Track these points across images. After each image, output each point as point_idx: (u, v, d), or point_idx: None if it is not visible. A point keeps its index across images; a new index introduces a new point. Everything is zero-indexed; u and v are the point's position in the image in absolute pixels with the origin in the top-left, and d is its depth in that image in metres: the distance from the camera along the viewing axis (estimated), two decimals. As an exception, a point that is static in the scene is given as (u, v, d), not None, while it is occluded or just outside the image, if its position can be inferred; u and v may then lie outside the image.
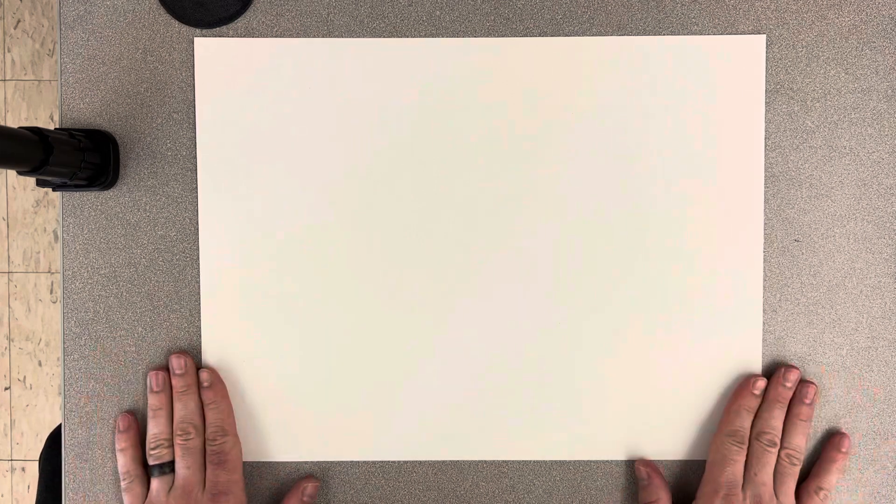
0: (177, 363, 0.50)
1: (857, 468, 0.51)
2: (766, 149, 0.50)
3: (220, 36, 0.50)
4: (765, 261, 0.50)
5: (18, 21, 1.33)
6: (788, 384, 0.49)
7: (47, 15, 1.33)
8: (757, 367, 0.50)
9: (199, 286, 0.50)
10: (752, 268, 0.50)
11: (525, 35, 0.50)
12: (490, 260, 0.50)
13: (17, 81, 1.34)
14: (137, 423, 0.50)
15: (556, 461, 0.51)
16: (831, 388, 0.51)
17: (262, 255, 0.50)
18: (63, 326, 0.51)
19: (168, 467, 0.49)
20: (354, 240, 0.50)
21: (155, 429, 0.49)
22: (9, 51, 1.33)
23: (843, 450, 0.50)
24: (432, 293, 0.50)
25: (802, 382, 0.50)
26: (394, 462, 0.51)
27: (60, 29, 0.50)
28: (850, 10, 0.50)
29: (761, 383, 0.49)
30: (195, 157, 0.50)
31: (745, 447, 0.48)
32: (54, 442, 0.72)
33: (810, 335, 0.51)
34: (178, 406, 0.50)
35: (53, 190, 0.49)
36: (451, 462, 0.51)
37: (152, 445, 0.49)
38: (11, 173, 1.33)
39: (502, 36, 0.50)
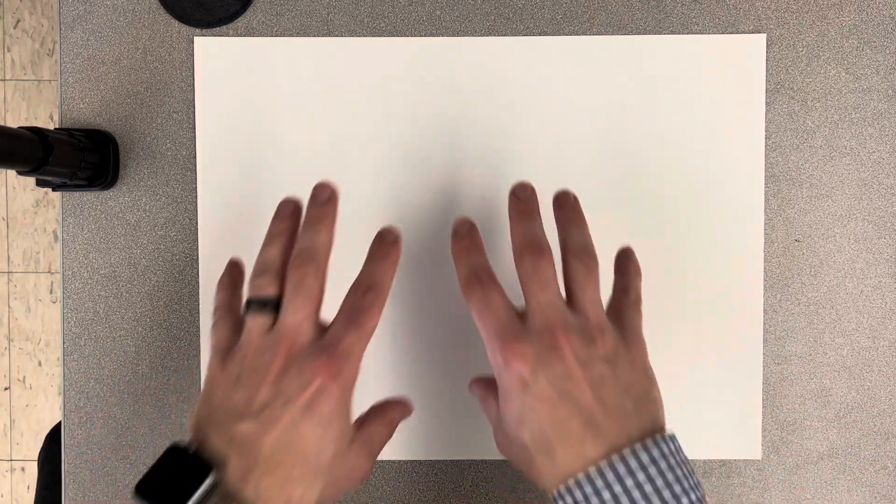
0: (321, 190, 0.40)
1: (858, 468, 0.51)
2: (766, 149, 0.50)
3: (220, 35, 0.50)
4: (765, 261, 0.50)
5: (18, 21, 1.33)
6: (525, 195, 0.41)
7: (47, 15, 1.33)
8: (758, 367, 0.50)
9: (198, 286, 0.50)
10: (752, 268, 0.50)
11: (525, 35, 0.50)
12: (490, 259, 0.50)
13: (16, 81, 1.34)
14: (243, 268, 0.44)
15: (556, 461, 0.51)
16: (831, 387, 0.51)
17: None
18: (63, 326, 0.51)
19: (269, 304, 0.38)
20: (355, 239, 0.50)
21: (263, 255, 0.39)
22: (9, 50, 1.33)
23: (632, 257, 0.43)
24: (432, 292, 0.50)
25: (558, 192, 0.42)
26: (394, 461, 0.51)
27: (60, 29, 0.50)
28: (850, 10, 0.50)
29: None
30: (195, 157, 0.50)
31: (487, 283, 0.39)
32: (53, 440, 0.72)
33: (810, 335, 0.51)
34: (302, 235, 0.39)
35: (53, 190, 0.49)
36: (451, 462, 0.51)
37: (256, 272, 0.39)
38: (11, 173, 1.33)
39: (503, 35, 0.50)
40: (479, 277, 0.39)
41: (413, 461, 0.51)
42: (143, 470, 0.51)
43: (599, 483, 0.34)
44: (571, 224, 0.41)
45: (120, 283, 0.50)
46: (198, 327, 0.50)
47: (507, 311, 0.39)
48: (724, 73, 0.50)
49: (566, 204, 0.42)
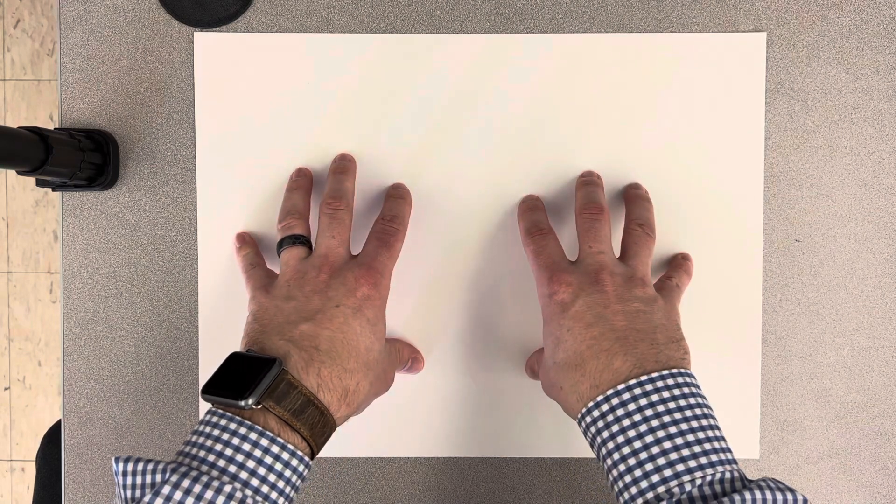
0: (341, 157, 0.48)
1: (858, 468, 0.51)
2: (766, 148, 0.50)
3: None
4: (765, 261, 0.50)
5: (18, 21, 1.33)
6: (593, 176, 0.48)
7: (47, 15, 1.33)
8: (756, 367, 0.50)
9: (198, 286, 0.50)
10: (752, 268, 0.50)
11: (525, 34, 0.50)
12: (488, 257, 0.50)
13: (16, 81, 1.33)
14: (253, 239, 0.49)
15: (555, 460, 0.51)
16: (831, 387, 0.51)
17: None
18: (63, 326, 0.50)
19: (299, 239, 0.44)
20: (354, 237, 0.50)
21: (287, 203, 0.46)
22: (8, 50, 1.33)
23: (689, 260, 0.49)
24: (433, 291, 0.50)
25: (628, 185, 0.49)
26: (394, 460, 0.51)
27: (60, 29, 0.50)
28: (850, 10, 0.50)
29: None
30: (195, 157, 0.50)
31: (548, 233, 0.45)
32: (51, 440, 0.72)
33: (810, 335, 0.50)
34: (330, 182, 0.46)
35: (53, 190, 0.49)
36: (451, 461, 0.51)
37: (282, 216, 0.45)
38: (11, 173, 1.33)
39: (503, 33, 0.50)
40: (539, 228, 0.46)
41: (413, 459, 0.51)
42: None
43: (626, 396, 0.37)
44: (640, 202, 0.47)
45: (120, 283, 0.50)
46: (197, 327, 0.50)
47: (560, 253, 0.44)
48: (724, 71, 0.49)
49: (638, 188, 0.48)
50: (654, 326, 0.40)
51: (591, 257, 0.43)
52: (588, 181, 0.48)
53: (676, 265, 0.49)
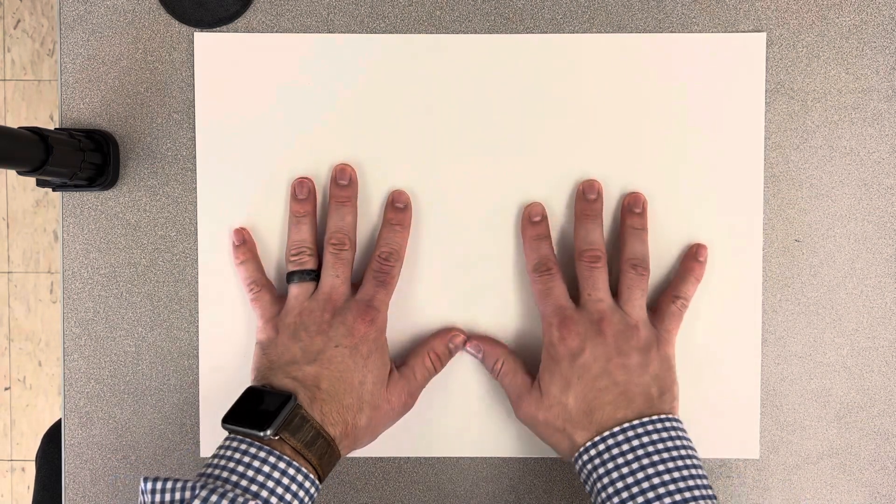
0: (341, 174, 0.49)
1: (857, 468, 0.51)
2: (766, 148, 0.50)
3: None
4: (765, 261, 0.50)
5: (18, 21, 1.33)
6: (592, 196, 0.49)
7: (47, 15, 1.33)
8: (756, 366, 0.50)
9: (198, 286, 0.50)
10: (752, 268, 0.50)
11: (525, 34, 0.50)
12: (488, 256, 0.50)
13: (16, 81, 1.33)
14: (253, 238, 0.50)
15: (555, 460, 0.51)
16: (831, 388, 0.51)
17: (261, 255, 0.50)
18: (63, 326, 0.51)
19: (310, 275, 0.47)
20: (356, 237, 0.50)
21: (297, 235, 0.48)
22: (9, 51, 1.33)
23: (701, 258, 0.49)
24: (433, 291, 0.50)
25: (630, 194, 0.49)
26: (393, 460, 0.51)
27: (60, 29, 0.50)
28: (850, 10, 0.50)
29: (539, 209, 0.49)
30: (195, 157, 0.50)
31: (555, 273, 0.47)
32: (51, 440, 0.72)
33: (810, 335, 0.50)
34: (333, 216, 0.48)
35: (53, 190, 0.49)
36: (451, 461, 0.51)
37: (294, 251, 0.48)
38: (11, 173, 1.33)
39: (503, 34, 0.50)
40: (547, 267, 0.48)
41: (413, 459, 0.51)
42: (143, 470, 0.52)
43: (620, 437, 0.43)
44: (635, 236, 0.48)
45: (120, 283, 0.50)
46: (197, 327, 0.50)
47: (566, 297, 0.47)
48: (724, 72, 0.49)
49: (633, 213, 0.49)
50: (650, 379, 0.45)
51: (592, 304, 0.46)
52: (587, 213, 0.48)
53: (685, 273, 0.49)
